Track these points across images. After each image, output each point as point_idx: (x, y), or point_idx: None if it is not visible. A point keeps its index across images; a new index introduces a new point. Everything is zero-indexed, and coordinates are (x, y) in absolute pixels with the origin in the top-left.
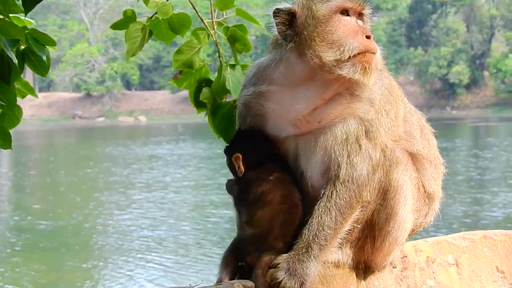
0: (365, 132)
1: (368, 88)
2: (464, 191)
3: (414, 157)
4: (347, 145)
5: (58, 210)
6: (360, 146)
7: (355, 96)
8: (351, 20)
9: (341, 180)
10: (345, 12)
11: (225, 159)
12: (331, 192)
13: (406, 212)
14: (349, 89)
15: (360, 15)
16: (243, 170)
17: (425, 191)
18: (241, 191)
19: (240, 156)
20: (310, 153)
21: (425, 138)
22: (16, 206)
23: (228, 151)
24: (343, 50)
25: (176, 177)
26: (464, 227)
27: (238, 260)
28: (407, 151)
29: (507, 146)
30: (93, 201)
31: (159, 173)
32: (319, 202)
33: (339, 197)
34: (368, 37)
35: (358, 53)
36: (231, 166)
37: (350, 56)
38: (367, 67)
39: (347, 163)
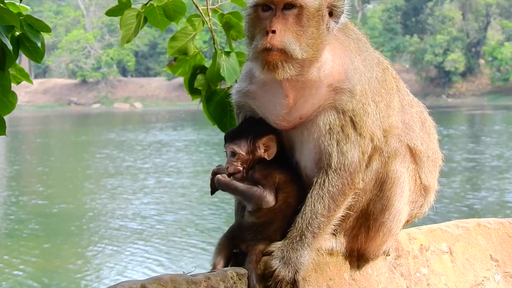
0: (350, 121)
1: (350, 80)
2: (475, 177)
3: (412, 151)
4: (333, 135)
5: (72, 194)
6: (347, 135)
7: (332, 88)
8: (268, 14)
9: (333, 168)
10: (265, 6)
11: (237, 140)
12: (324, 180)
13: (402, 204)
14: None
15: (289, 6)
16: (272, 153)
17: (421, 183)
18: (256, 177)
19: (275, 138)
20: (302, 144)
21: (426, 132)
22: (30, 191)
23: (252, 133)
24: (250, 49)
25: (185, 162)
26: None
27: (233, 247)
28: (406, 144)
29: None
30: (105, 186)
31: (167, 159)
32: (311, 190)
33: (331, 184)
34: (267, 32)
35: (261, 51)
36: (253, 149)
37: (253, 55)
38: (267, 65)
39: (337, 152)
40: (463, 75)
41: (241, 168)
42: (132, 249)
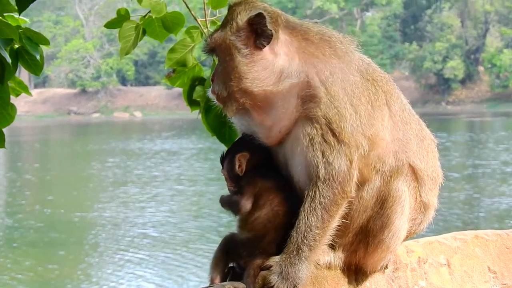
0: (328, 129)
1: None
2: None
3: (413, 169)
4: (316, 145)
5: (84, 203)
6: (330, 143)
7: (299, 97)
8: None
9: (322, 179)
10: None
11: (224, 161)
12: (314, 192)
13: (402, 222)
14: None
15: (212, 51)
16: (245, 169)
17: (421, 201)
18: (242, 185)
19: (247, 155)
20: (293, 158)
21: (424, 149)
22: (41, 200)
23: (233, 151)
24: None
25: (198, 170)
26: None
27: (229, 260)
28: (407, 162)
29: None
30: (117, 195)
31: (177, 167)
32: (303, 203)
33: (322, 196)
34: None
35: None
36: (231, 167)
37: None
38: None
39: (324, 162)
40: (463, 82)
41: (232, 188)
42: (150, 257)
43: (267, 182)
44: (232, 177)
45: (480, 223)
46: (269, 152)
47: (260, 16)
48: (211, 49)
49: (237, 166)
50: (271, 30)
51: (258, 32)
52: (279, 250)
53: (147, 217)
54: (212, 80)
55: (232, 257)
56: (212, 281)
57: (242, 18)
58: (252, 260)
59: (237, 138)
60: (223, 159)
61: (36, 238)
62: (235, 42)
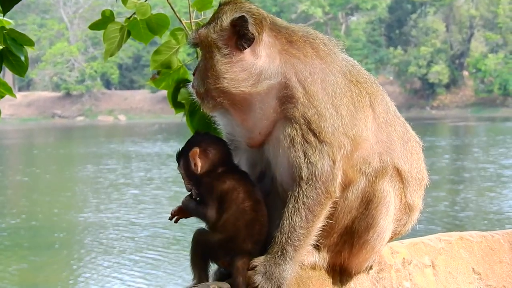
0: (308, 129)
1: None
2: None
3: (397, 170)
4: (297, 146)
5: (89, 205)
6: (311, 143)
7: (277, 98)
8: None
9: (305, 180)
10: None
11: (180, 159)
12: (298, 193)
13: (387, 223)
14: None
15: (197, 46)
16: (201, 165)
17: (406, 202)
18: (202, 193)
19: (198, 150)
20: (276, 160)
21: (408, 151)
22: (44, 202)
23: (188, 148)
24: None
25: None
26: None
27: (206, 260)
28: (392, 163)
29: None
30: (119, 197)
31: (173, 169)
32: (287, 204)
33: (306, 196)
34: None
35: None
36: (187, 165)
37: None
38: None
39: (306, 163)
40: (447, 87)
41: (190, 186)
42: (164, 257)
43: (226, 182)
44: (190, 175)
45: (486, 224)
46: (228, 147)
47: (242, 19)
48: (194, 44)
49: (192, 164)
50: (252, 34)
51: (240, 34)
52: (254, 243)
53: (153, 219)
54: (194, 75)
55: (209, 258)
56: (198, 280)
57: (226, 18)
58: (232, 260)
59: (193, 134)
60: (179, 157)
61: (49, 239)
62: (216, 40)
